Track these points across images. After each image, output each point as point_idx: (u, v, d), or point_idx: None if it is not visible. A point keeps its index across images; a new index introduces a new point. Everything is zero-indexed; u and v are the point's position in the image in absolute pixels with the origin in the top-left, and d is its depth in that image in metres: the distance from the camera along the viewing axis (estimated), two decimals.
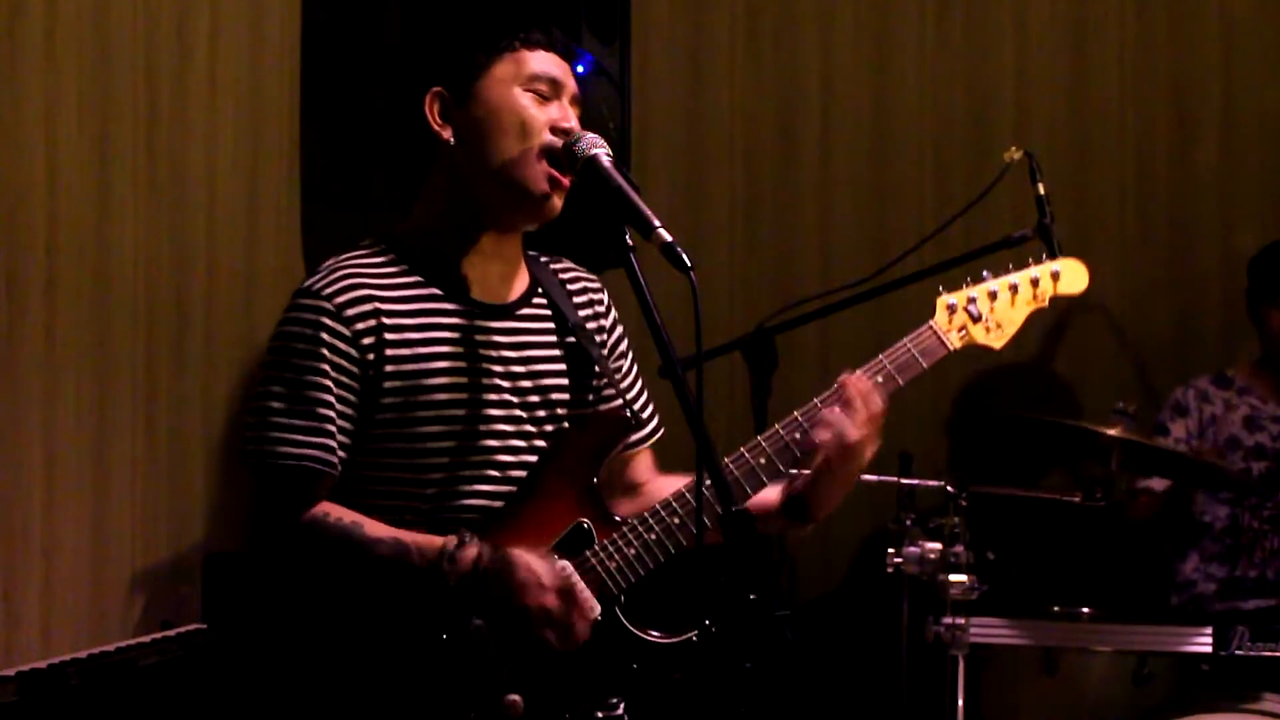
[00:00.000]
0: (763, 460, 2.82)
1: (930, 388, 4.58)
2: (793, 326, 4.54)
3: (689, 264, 2.52)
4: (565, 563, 2.73)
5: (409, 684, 2.68)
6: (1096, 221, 5.58)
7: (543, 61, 2.82)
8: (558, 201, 2.79)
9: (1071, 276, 3.08)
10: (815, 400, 2.86)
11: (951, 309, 2.99)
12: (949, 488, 4.32)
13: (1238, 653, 4.26)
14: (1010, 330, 3.03)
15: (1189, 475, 5.00)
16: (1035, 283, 3.05)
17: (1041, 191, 4.56)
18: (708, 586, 2.41)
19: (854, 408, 2.82)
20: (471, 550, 2.67)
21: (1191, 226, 5.59)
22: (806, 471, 2.89)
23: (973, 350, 3.04)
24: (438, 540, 2.69)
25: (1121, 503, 5.03)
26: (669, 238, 2.55)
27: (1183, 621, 4.59)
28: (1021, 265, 3.13)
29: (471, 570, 2.66)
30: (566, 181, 2.77)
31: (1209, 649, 4.30)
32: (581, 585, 2.70)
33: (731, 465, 2.81)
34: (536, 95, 2.79)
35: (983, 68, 5.69)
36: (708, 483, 2.54)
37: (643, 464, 3.03)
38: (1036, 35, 5.68)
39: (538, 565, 2.69)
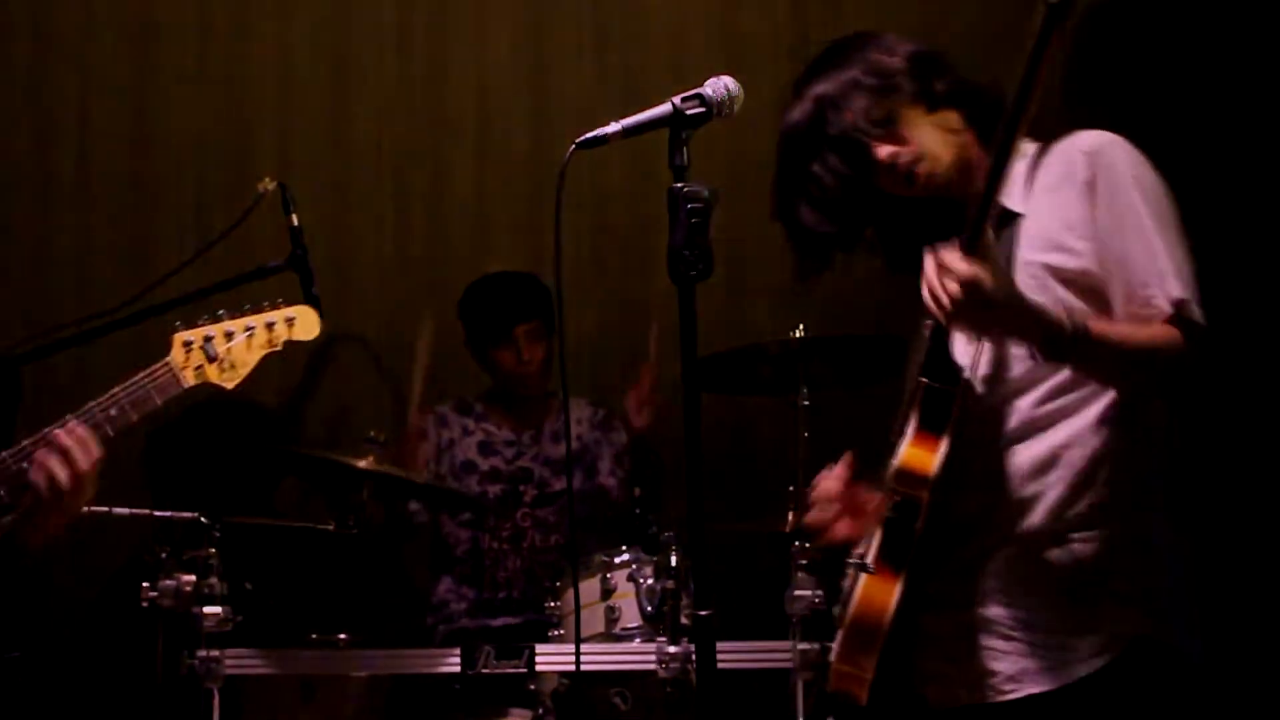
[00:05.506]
0: None
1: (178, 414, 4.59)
2: (46, 355, 4.43)
3: None
4: None
5: None
6: (355, 253, 5.69)
7: None
8: None
9: (305, 324, 3.20)
10: (24, 442, 2.86)
11: (188, 346, 3.02)
12: (202, 519, 4.31)
13: (484, 671, 4.43)
14: (244, 371, 3.10)
15: (433, 501, 5.19)
16: (271, 327, 3.13)
17: (295, 223, 4.63)
18: None
19: (72, 455, 2.82)
20: None
21: (447, 258, 5.76)
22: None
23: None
24: None
25: (379, 523, 5.15)
26: None
27: (433, 644, 4.74)
28: (275, 298, 3.22)
29: None
30: None
31: (459, 669, 4.45)
32: None
33: None
34: None
35: (245, 100, 5.71)
36: None
37: None
38: (299, 71, 5.74)
39: None
